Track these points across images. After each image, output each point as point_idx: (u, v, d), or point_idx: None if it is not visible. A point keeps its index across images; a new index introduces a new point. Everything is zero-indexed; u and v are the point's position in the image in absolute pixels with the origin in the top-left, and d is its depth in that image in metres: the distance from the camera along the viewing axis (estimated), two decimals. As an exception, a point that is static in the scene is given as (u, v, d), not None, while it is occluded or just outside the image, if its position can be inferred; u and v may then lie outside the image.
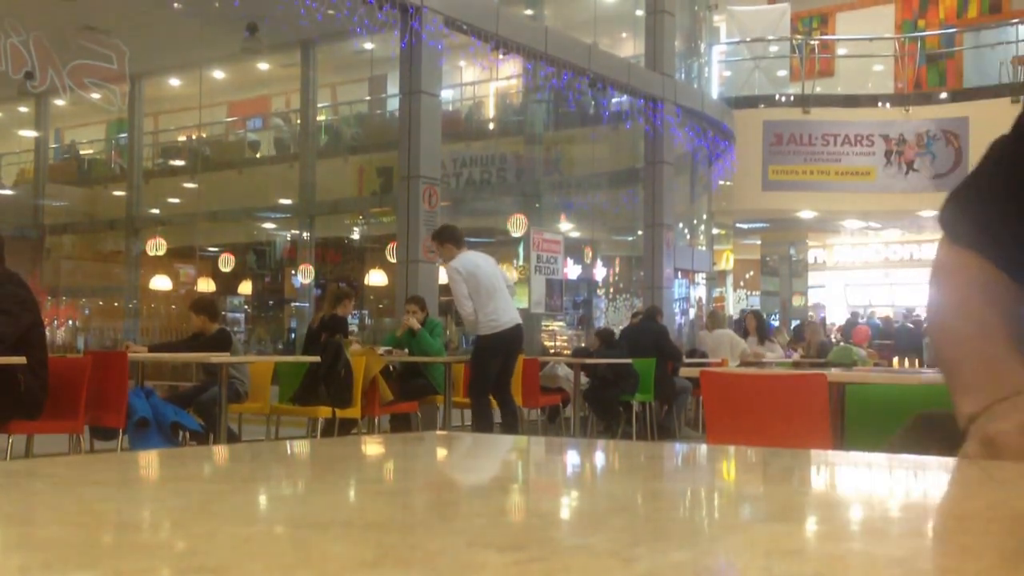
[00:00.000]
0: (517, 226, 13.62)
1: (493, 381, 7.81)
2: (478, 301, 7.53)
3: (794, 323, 18.34)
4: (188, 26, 13.56)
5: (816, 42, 21.03)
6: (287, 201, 17.85)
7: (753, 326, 12.42)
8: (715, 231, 19.70)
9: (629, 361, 9.71)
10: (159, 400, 6.73)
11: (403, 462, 0.98)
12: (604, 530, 0.56)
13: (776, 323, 18.72)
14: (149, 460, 1.06)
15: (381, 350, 8.33)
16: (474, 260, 7.77)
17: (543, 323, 14.33)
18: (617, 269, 18.78)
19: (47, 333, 7.19)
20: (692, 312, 16.80)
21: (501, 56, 11.80)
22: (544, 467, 1.00)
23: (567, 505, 0.71)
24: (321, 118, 18.21)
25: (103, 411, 5.97)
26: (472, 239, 8.83)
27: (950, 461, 0.92)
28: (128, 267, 18.20)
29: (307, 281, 16.73)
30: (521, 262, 14.52)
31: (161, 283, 17.17)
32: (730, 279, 25.14)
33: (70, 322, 18.97)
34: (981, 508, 0.68)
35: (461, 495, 0.73)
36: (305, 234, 17.25)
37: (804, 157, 18.00)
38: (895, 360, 9.30)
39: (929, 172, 17.68)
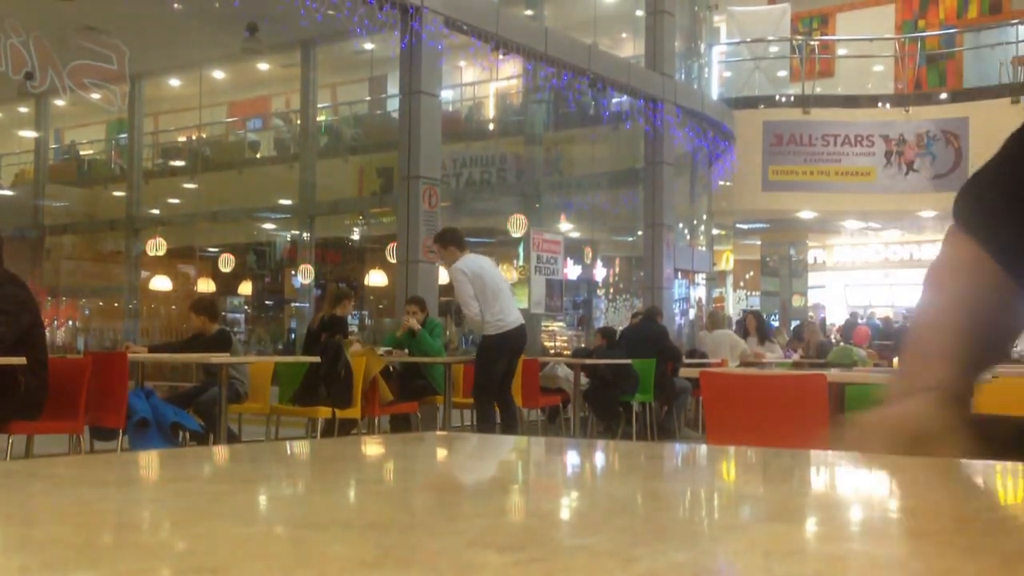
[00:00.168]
0: (517, 226, 13.62)
1: (498, 381, 7.83)
2: (484, 302, 7.58)
3: (794, 323, 18.34)
4: (188, 26, 13.56)
5: (816, 42, 21.03)
6: (287, 201, 17.86)
7: (753, 326, 12.42)
8: (715, 231, 19.71)
9: (629, 362, 9.71)
10: (159, 400, 6.73)
11: (403, 462, 0.98)
12: (604, 530, 0.56)
13: (776, 323, 18.73)
14: (149, 460, 1.06)
15: (381, 350, 8.33)
16: (478, 261, 7.86)
17: (543, 323, 14.33)
18: (617, 269, 18.78)
19: (47, 334, 7.19)
20: (692, 312, 16.80)
21: (501, 56, 11.80)
22: (544, 467, 1.00)
23: (567, 505, 0.71)
24: (321, 118, 18.21)
25: (103, 411, 5.97)
26: (472, 239, 8.85)
27: (950, 462, 0.92)
28: (128, 267, 18.20)
29: (307, 281, 16.73)
30: (521, 262, 14.52)
31: (161, 283, 17.17)
32: (730, 279, 25.15)
33: (70, 322, 18.98)
34: (981, 509, 0.68)
35: (461, 495, 0.73)
36: (305, 234, 17.25)
37: (804, 157, 18.01)
38: (895, 360, 9.29)
39: (929, 172, 17.69)
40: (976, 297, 1.18)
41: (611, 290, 18.45)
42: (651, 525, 0.59)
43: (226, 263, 17.19)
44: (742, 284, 25.97)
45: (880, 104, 18.49)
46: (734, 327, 13.49)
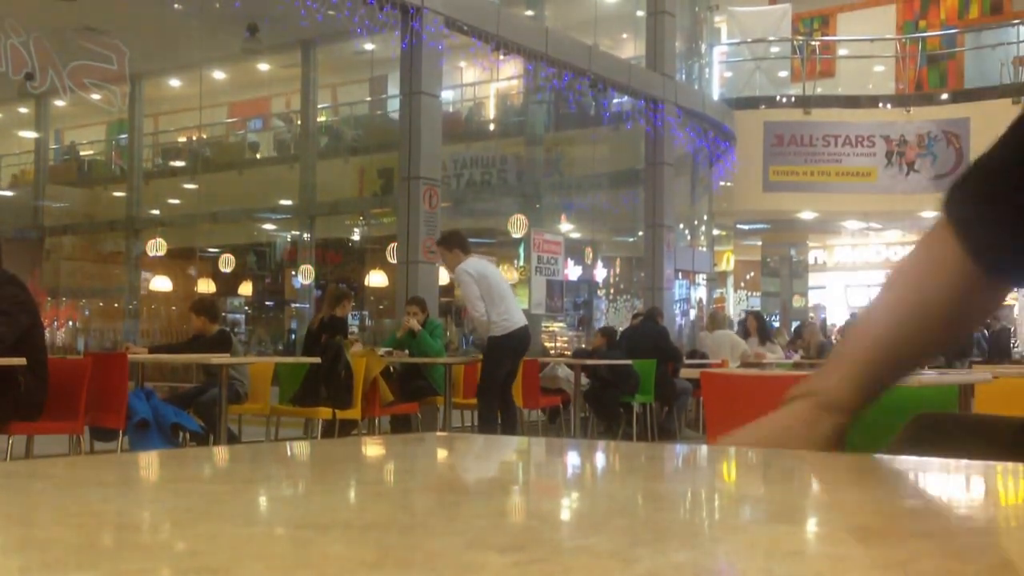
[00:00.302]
0: (518, 227, 13.62)
1: (502, 382, 7.88)
2: (490, 303, 7.63)
3: (795, 324, 18.34)
4: (188, 26, 13.57)
5: (817, 43, 21.03)
6: (287, 202, 17.86)
7: (754, 327, 12.42)
8: (716, 232, 19.71)
9: (629, 362, 9.72)
10: (159, 401, 6.73)
11: (403, 463, 0.98)
12: (605, 531, 0.56)
13: (777, 324, 18.73)
14: (149, 461, 1.06)
15: (381, 351, 8.34)
16: (482, 263, 7.99)
17: (543, 324, 14.34)
18: (617, 270, 18.79)
19: (47, 334, 7.20)
20: (693, 313, 16.81)
21: (502, 57, 11.81)
22: (544, 468, 1.00)
23: (567, 506, 0.71)
24: (321, 119, 18.22)
25: (103, 412, 5.98)
26: (473, 240, 8.86)
27: (949, 462, 0.92)
28: (128, 268, 18.21)
29: (307, 282, 16.73)
30: (521, 263, 14.52)
31: (161, 284, 17.18)
32: (731, 280, 25.16)
33: (70, 323, 18.98)
34: (981, 509, 0.68)
35: (461, 496, 0.73)
36: (305, 235, 17.25)
37: (805, 158, 18.01)
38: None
39: (930, 173, 17.69)
40: (918, 302, 1.18)
41: (612, 291, 18.45)
42: (651, 526, 0.59)
43: (226, 264, 17.19)
44: (743, 285, 25.97)
45: (881, 104, 18.49)
46: (735, 328, 13.50)
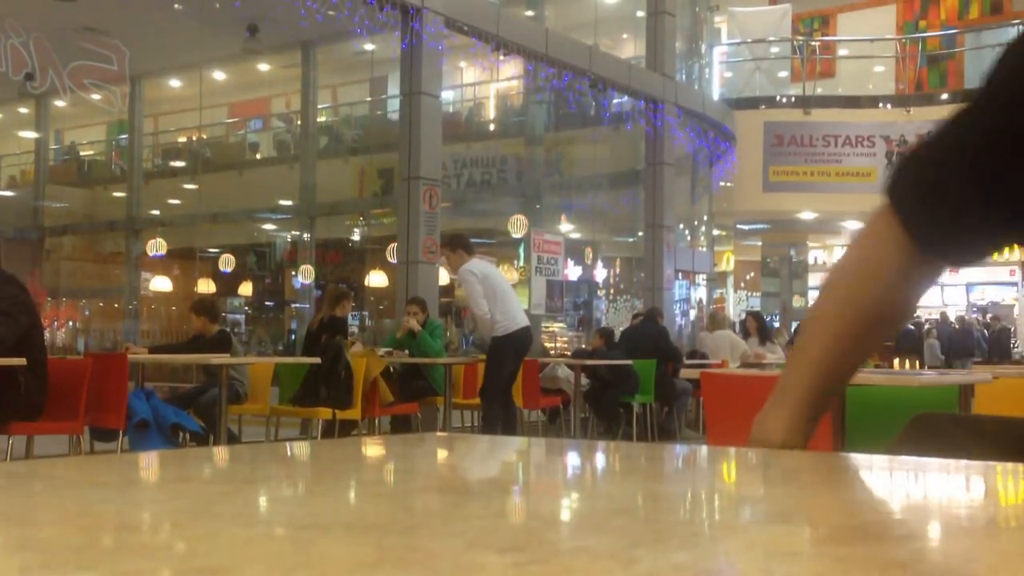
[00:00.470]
0: (518, 227, 13.62)
1: (506, 383, 7.93)
2: (493, 303, 7.72)
3: (795, 324, 18.33)
4: (188, 27, 13.56)
5: (817, 43, 21.03)
6: (287, 202, 17.86)
7: (754, 327, 12.42)
8: (716, 232, 19.71)
9: (629, 362, 9.71)
10: (159, 401, 6.73)
11: (403, 463, 0.98)
12: (604, 532, 0.56)
13: (777, 324, 18.73)
14: (149, 461, 1.06)
15: (381, 351, 8.34)
16: (485, 264, 8.12)
17: (543, 324, 14.34)
18: (618, 270, 18.78)
19: (47, 335, 7.20)
20: (692, 313, 16.80)
21: (502, 57, 11.80)
22: (544, 469, 1.00)
23: (567, 507, 0.71)
24: (321, 119, 18.22)
25: (103, 412, 5.98)
26: (473, 240, 8.87)
27: (950, 463, 0.92)
28: (128, 268, 18.21)
29: (307, 282, 16.73)
30: (521, 263, 14.52)
31: (161, 284, 17.18)
32: (731, 280, 25.16)
33: (70, 323, 18.98)
34: (982, 510, 0.68)
35: (461, 497, 0.73)
36: (305, 235, 17.25)
37: (805, 158, 18.00)
38: (895, 362, 9.29)
39: (930, 173, 17.66)
40: (864, 304, 1.21)
41: (612, 291, 18.45)
42: (651, 526, 0.59)
43: (226, 264, 17.19)
44: (743, 285, 25.97)
45: (881, 105, 18.49)
46: (737, 329, 13.50)
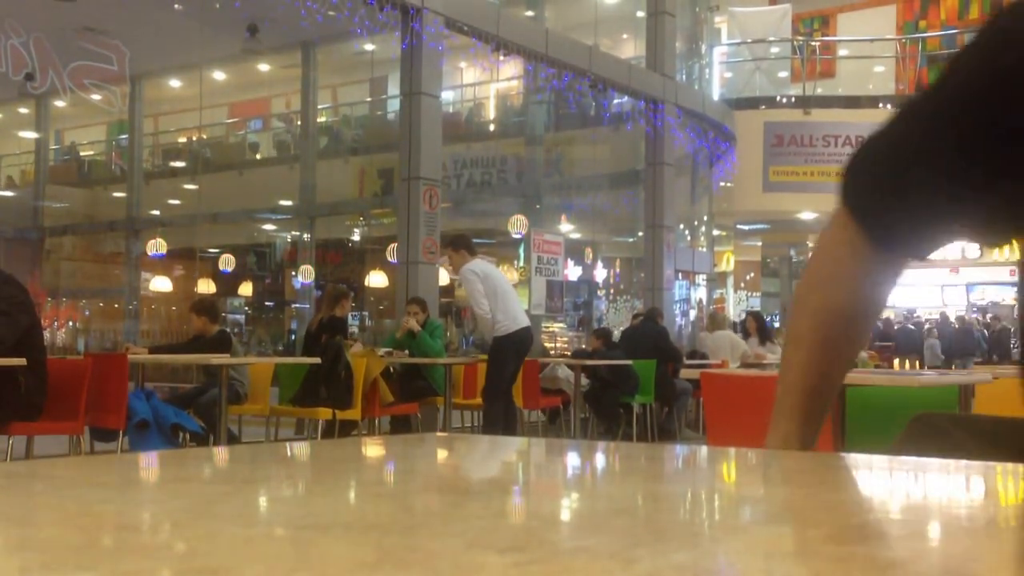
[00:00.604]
0: (518, 227, 13.62)
1: (508, 384, 7.97)
2: (494, 303, 7.77)
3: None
4: (188, 27, 13.56)
5: (817, 43, 21.03)
6: (287, 202, 17.86)
7: (754, 327, 12.41)
8: (716, 232, 19.71)
9: (629, 363, 9.71)
10: (160, 402, 6.73)
11: (403, 463, 0.98)
12: (604, 532, 0.56)
13: (777, 324, 18.72)
14: (149, 461, 1.06)
15: (381, 351, 8.34)
16: (486, 265, 8.14)
17: (543, 324, 14.35)
18: (618, 270, 18.78)
19: (47, 335, 7.20)
20: (692, 313, 16.80)
21: (502, 57, 11.80)
22: (544, 469, 1.00)
23: (567, 507, 0.71)
24: (322, 119, 18.22)
25: (103, 412, 5.98)
26: (474, 240, 8.89)
27: (950, 463, 0.92)
28: (128, 268, 18.21)
29: (307, 282, 16.74)
30: (521, 263, 14.52)
31: (161, 284, 17.18)
32: (731, 280, 25.16)
33: (70, 323, 18.99)
34: (982, 510, 0.68)
35: (461, 497, 0.73)
36: (305, 235, 17.26)
37: (805, 158, 18.00)
38: (895, 362, 9.28)
39: (930, 173, 17.65)
40: (838, 317, 1.23)
41: (612, 291, 18.45)
42: (651, 526, 0.59)
43: (226, 264, 17.19)
44: (743, 285, 25.97)
45: (881, 105, 18.48)
46: (737, 330, 13.49)
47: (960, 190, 1.06)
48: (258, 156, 19.62)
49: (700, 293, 17.43)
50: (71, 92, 9.73)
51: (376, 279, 15.96)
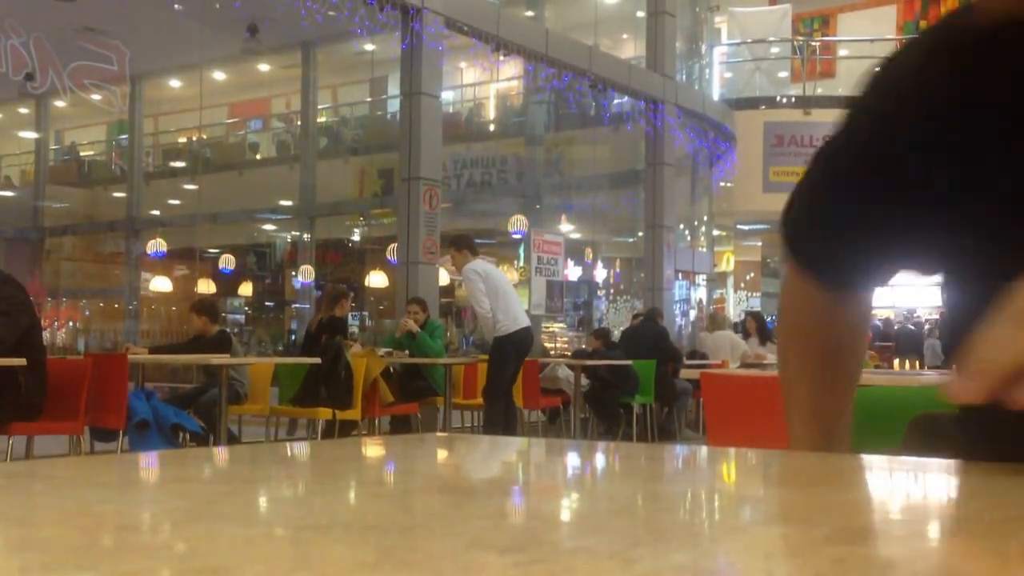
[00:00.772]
0: (517, 227, 13.62)
1: (509, 384, 8.00)
2: (495, 302, 7.82)
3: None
4: (188, 27, 13.56)
5: (817, 43, 21.03)
6: (287, 203, 17.86)
7: (754, 328, 12.41)
8: (716, 233, 19.71)
9: (629, 363, 9.71)
10: (160, 402, 6.73)
11: (403, 464, 0.98)
12: (605, 532, 0.56)
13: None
14: (149, 462, 1.06)
15: (381, 351, 8.34)
16: (488, 265, 8.20)
17: (543, 324, 14.36)
18: (618, 270, 18.78)
19: (47, 335, 7.20)
20: (693, 314, 16.80)
21: (502, 57, 11.80)
22: (544, 469, 1.00)
23: (568, 507, 0.71)
24: (322, 119, 18.22)
25: (103, 412, 5.98)
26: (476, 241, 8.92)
27: (950, 463, 0.92)
28: (128, 269, 18.21)
29: (307, 282, 16.74)
30: (521, 263, 14.52)
31: (161, 284, 17.18)
32: (731, 281, 25.15)
33: (70, 323, 18.99)
34: (982, 509, 0.68)
35: (461, 497, 0.73)
36: (305, 235, 17.25)
37: (805, 158, 17.61)
38: (896, 362, 9.30)
39: (930, 173, 17.65)
40: (821, 359, 1.25)
41: (612, 291, 18.45)
42: (652, 526, 0.59)
43: (226, 264, 17.19)
44: (743, 285, 25.95)
45: (881, 105, 18.45)
46: (738, 331, 13.50)
47: (876, 226, 1.08)
48: (258, 156, 19.62)
49: (700, 293, 17.42)
50: (71, 92, 9.73)
51: (376, 279, 15.96)
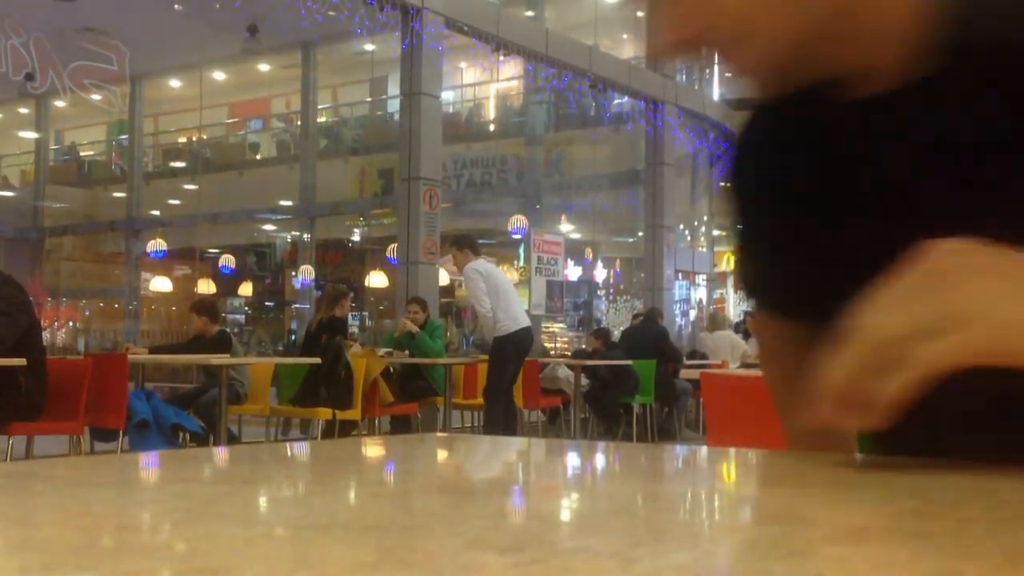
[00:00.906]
0: (517, 226, 13.62)
1: (509, 384, 8.01)
2: (496, 302, 7.85)
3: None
4: (188, 27, 13.57)
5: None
6: (287, 203, 17.87)
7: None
8: (716, 232, 19.70)
9: (629, 363, 9.71)
10: (160, 402, 6.74)
11: (403, 464, 0.98)
12: (605, 532, 0.56)
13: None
14: (149, 462, 1.06)
15: (382, 351, 8.34)
16: (489, 265, 8.24)
17: (543, 324, 14.36)
18: (618, 270, 18.78)
19: (47, 335, 7.20)
20: (693, 314, 16.80)
21: (502, 57, 11.81)
22: (544, 469, 1.00)
23: (567, 507, 0.71)
24: (322, 119, 18.22)
25: (103, 413, 5.98)
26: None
27: (948, 462, 0.92)
28: (128, 269, 18.21)
29: (307, 282, 16.74)
30: (521, 263, 14.52)
31: (161, 284, 17.18)
32: (731, 280, 25.14)
33: (70, 323, 18.99)
34: (983, 509, 0.68)
35: (461, 497, 0.73)
36: (305, 235, 17.26)
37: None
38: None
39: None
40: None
41: (612, 291, 18.45)
42: (651, 527, 0.59)
43: (226, 264, 17.20)
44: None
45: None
46: (738, 331, 13.49)
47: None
48: (258, 156, 19.63)
49: (700, 293, 17.43)
50: (71, 92, 9.74)
51: (376, 279, 15.96)
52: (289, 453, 1.16)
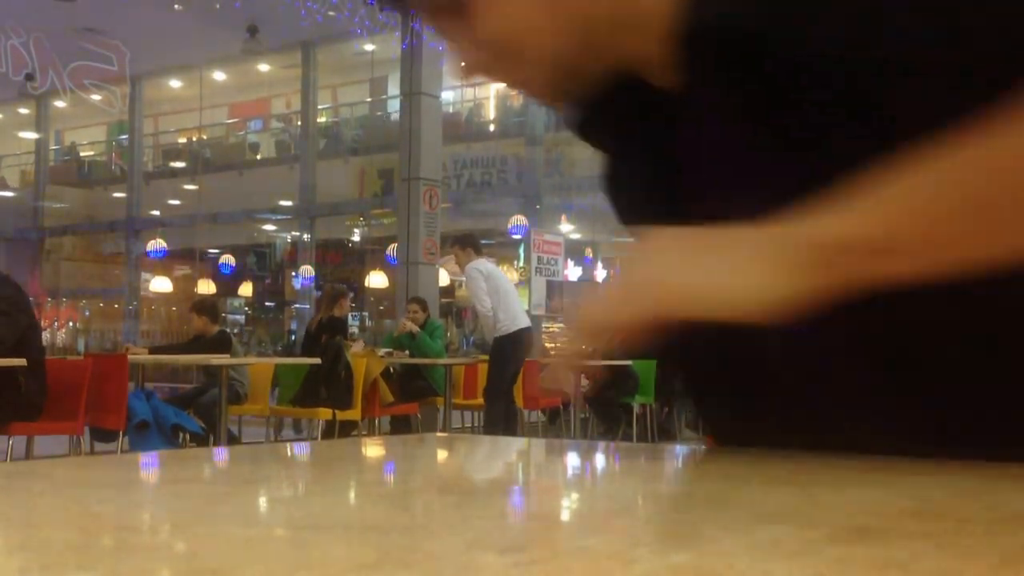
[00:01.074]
0: (518, 227, 13.62)
1: (509, 384, 8.02)
2: (496, 302, 7.86)
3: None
4: (188, 27, 13.56)
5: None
6: (287, 203, 17.86)
7: (754, 327, 12.41)
8: (716, 233, 19.68)
9: (629, 363, 9.71)
10: (160, 402, 6.74)
11: (403, 464, 0.98)
12: (605, 532, 0.56)
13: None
14: (149, 462, 1.06)
15: (382, 351, 8.34)
16: (490, 265, 8.24)
17: (543, 325, 14.34)
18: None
19: (47, 335, 7.20)
20: (693, 314, 16.77)
21: (502, 57, 11.79)
22: (544, 469, 1.00)
23: (567, 507, 0.71)
24: (322, 119, 18.22)
25: (103, 413, 5.98)
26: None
27: (948, 462, 0.92)
28: (128, 269, 18.21)
29: (307, 282, 16.74)
30: (521, 263, 14.52)
31: (161, 285, 17.18)
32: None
33: (70, 324, 18.99)
34: (983, 509, 0.68)
35: (461, 497, 0.73)
36: (305, 236, 17.26)
37: (805, 158, 17.97)
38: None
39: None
40: None
41: (612, 291, 18.41)
42: (652, 527, 0.59)
43: (227, 264, 17.20)
44: (743, 285, 25.97)
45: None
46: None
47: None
48: (258, 156, 19.63)
49: (700, 293, 17.40)
50: (71, 92, 9.74)
51: (376, 279, 15.96)
52: (289, 453, 1.16)
